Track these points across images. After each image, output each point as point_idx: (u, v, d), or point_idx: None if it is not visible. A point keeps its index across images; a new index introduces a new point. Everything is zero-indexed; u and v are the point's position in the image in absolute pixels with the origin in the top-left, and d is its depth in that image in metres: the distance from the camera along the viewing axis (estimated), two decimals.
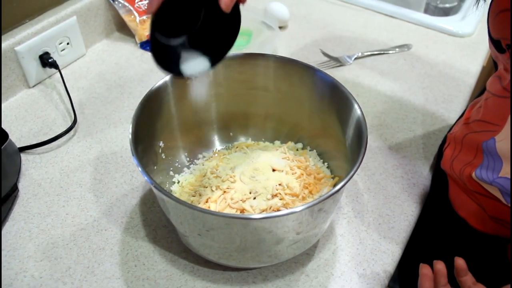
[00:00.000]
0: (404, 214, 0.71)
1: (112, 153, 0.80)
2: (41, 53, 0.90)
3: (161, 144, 0.68)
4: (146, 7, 1.03)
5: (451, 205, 0.75)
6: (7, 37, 0.85)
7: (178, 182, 0.72)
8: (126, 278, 0.63)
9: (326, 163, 0.73)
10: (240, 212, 0.62)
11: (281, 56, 0.70)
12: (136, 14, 1.02)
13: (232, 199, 0.63)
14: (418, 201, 0.74)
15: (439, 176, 0.77)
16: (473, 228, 0.72)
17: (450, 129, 0.78)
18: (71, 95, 0.88)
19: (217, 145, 0.77)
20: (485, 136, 0.61)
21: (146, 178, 0.54)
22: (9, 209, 0.70)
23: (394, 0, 1.19)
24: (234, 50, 0.61)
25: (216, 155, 0.75)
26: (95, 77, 0.95)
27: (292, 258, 0.64)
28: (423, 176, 0.77)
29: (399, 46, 1.06)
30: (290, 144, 0.76)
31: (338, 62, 1.01)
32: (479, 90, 0.76)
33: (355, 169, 0.55)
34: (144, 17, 1.03)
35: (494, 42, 0.58)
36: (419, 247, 0.77)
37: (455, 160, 0.70)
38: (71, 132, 0.83)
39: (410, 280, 0.83)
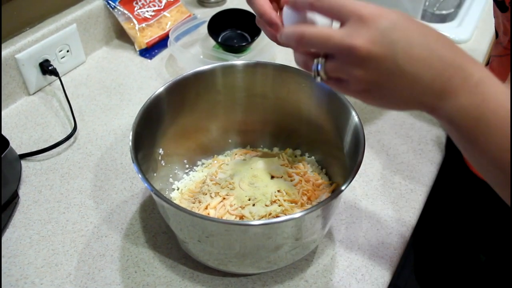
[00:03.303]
0: (402, 220, 0.72)
1: (112, 160, 0.80)
2: (41, 60, 0.91)
3: (161, 151, 0.69)
4: (145, 15, 1.04)
5: (467, 169, 0.75)
6: (7, 45, 0.86)
7: (178, 189, 0.72)
8: (126, 284, 0.63)
9: (324, 170, 0.74)
10: (239, 219, 0.63)
11: (280, 64, 0.71)
12: (135, 22, 1.03)
13: (231, 205, 0.64)
14: (416, 207, 0.74)
15: (452, 144, 0.80)
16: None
17: None
18: (71, 102, 0.89)
19: (216, 152, 0.78)
20: None
21: (146, 185, 0.54)
22: (10, 216, 0.71)
23: (391, 8, 1.20)
24: (233, 58, 0.61)
25: (215, 162, 0.75)
26: (95, 84, 0.96)
27: (291, 264, 0.65)
28: (421, 182, 0.78)
29: None
30: (289, 150, 0.76)
31: None
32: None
33: (353, 175, 0.55)
34: (143, 25, 1.03)
35: (498, 3, 0.63)
36: (437, 210, 0.77)
37: None
38: (71, 139, 0.83)
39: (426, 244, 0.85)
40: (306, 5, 0.44)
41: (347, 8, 0.41)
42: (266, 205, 0.64)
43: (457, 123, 0.41)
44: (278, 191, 0.65)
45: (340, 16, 0.42)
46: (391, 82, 0.41)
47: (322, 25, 0.47)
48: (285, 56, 1.04)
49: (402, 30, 0.40)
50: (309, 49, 0.44)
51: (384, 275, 0.65)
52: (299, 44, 0.44)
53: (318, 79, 0.44)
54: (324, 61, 0.43)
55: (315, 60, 0.44)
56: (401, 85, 0.41)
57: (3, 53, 0.85)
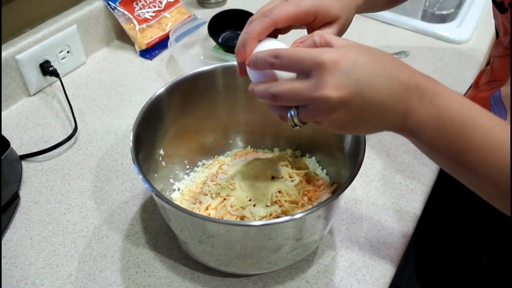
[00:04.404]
0: (403, 220, 0.72)
1: (113, 161, 0.80)
2: (41, 61, 0.91)
3: (162, 152, 0.69)
4: (145, 16, 1.04)
5: None
6: (8, 46, 0.86)
7: (179, 189, 0.72)
8: (127, 285, 0.63)
9: (324, 170, 0.74)
10: (240, 219, 0.63)
11: None
12: (135, 23, 1.03)
13: (232, 206, 0.63)
14: (417, 207, 0.74)
15: None
16: None
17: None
18: (71, 103, 0.89)
19: (217, 152, 0.78)
20: (493, 91, 0.67)
21: (147, 185, 0.54)
22: (10, 217, 0.71)
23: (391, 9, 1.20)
24: (233, 59, 0.61)
25: (216, 162, 0.75)
26: (95, 85, 0.96)
27: (292, 264, 0.65)
28: (421, 182, 0.78)
29: (397, 53, 1.07)
30: (289, 151, 0.76)
31: None
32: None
33: (353, 175, 0.55)
34: (144, 26, 1.03)
35: (497, 4, 0.64)
36: (438, 210, 0.79)
37: None
38: (72, 140, 0.83)
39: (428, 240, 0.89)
40: (267, 65, 0.46)
41: (306, 60, 0.43)
42: (266, 206, 0.64)
43: (420, 136, 0.45)
44: (279, 191, 0.65)
45: (302, 69, 0.44)
46: (361, 115, 0.44)
47: (286, 74, 0.48)
48: None
49: (362, 66, 0.42)
50: (283, 104, 0.47)
51: (385, 276, 0.65)
52: (273, 102, 0.46)
53: (295, 127, 0.47)
54: (297, 112, 0.46)
55: (289, 113, 0.46)
56: (370, 116, 0.44)
57: (3, 54, 0.85)
